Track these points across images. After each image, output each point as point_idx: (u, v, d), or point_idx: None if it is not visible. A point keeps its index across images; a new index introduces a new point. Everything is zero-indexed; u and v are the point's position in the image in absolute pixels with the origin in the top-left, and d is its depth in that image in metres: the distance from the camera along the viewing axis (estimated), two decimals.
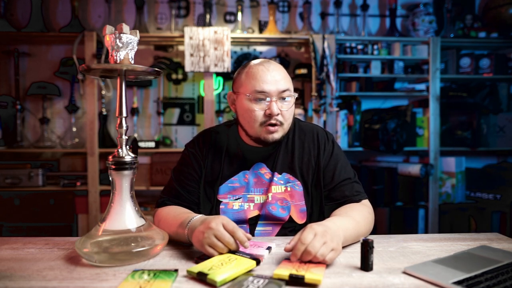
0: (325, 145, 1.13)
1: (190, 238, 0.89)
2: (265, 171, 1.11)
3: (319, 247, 0.77)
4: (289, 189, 1.09)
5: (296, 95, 1.07)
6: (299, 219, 1.09)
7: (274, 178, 1.09)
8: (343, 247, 0.93)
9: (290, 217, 1.08)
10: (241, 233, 0.82)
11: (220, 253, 0.82)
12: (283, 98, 1.03)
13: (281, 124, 1.04)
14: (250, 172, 1.11)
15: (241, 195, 1.09)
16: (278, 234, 1.08)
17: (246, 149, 1.12)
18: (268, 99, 1.01)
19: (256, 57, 2.83)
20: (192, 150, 1.14)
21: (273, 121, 1.02)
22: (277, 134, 1.04)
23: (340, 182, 1.09)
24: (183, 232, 0.90)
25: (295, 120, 1.19)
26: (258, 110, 1.02)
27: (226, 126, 1.19)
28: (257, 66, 1.04)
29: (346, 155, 1.17)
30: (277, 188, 1.09)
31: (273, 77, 1.02)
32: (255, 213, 1.09)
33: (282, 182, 1.10)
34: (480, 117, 2.62)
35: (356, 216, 0.97)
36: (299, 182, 1.10)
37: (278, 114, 1.02)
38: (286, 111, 1.04)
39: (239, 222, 1.08)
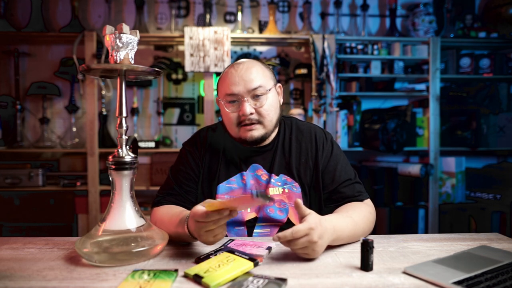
0: (323, 145, 1.11)
1: (192, 234, 0.89)
2: (262, 173, 1.10)
3: (299, 247, 0.79)
4: (286, 190, 1.08)
5: (273, 91, 1.06)
6: (297, 221, 1.08)
7: (272, 180, 1.08)
8: (341, 246, 0.94)
9: (288, 219, 1.07)
10: (215, 214, 0.79)
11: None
12: (257, 96, 1.02)
13: (259, 122, 1.04)
14: (248, 174, 1.10)
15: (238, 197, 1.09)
16: None
17: (242, 150, 1.11)
18: (239, 100, 1.02)
19: (256, 58, 2.83)
20: (190, 148, 1.14)
21: (247, 121, 1.02)
22: (256, 132, 1.04)
23: (341, 183, 1.07)
24: (183, 230, 0.90)
25: (293, 120, 1.18)
26: (232, 113, 1.03)
27: (223, 125, 1.18)
28: (228, 69, 1.06)
29: (346, 155, 1.16)
30: (275, 190, 1.08)
31: (241, 77, 1.01)
32: (252, 215, 1.08)
33: (279, 183, 1.08)
34: (480, 117, 2.62)
35: (355, 217, 0.96)
36: (297, 184, 1.09)
37: (251, 114, 1.02)
38: (262, 108, 1.03)
39: (236, 224, 1.08)
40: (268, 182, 1.09)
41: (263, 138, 1.06)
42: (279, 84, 1.12)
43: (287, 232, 0.78)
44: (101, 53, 2.52)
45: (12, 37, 2.54)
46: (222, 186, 1.09)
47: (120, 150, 0.88)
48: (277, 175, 1.09)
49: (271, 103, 1.04)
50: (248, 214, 1.08)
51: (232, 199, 0.79)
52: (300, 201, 0.83)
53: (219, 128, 1.17)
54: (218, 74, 2.71)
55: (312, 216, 0.82)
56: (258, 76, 1.03)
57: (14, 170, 2.47)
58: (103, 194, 2.54)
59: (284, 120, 1.17)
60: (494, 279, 0.71)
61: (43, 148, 2.56)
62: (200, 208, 0.81)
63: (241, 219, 1.07)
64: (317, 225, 0.80)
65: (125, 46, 0.86)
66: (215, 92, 2.69)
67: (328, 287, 0.70)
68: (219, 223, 0.81)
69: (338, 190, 1.07)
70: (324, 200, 1.09)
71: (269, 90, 1.04)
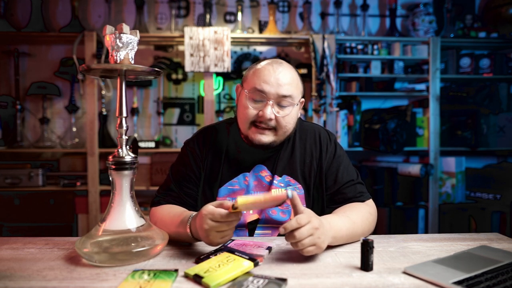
0: (327, 146, 1.11)
1: (194, 235, 0.89)
2: (265, 174, 1.09)
3: (305, 235, 0.78)
4: None
5: (298, 105, 1.03)
6: None
7: (274, 181, 1.07)
8: (341, 246, 0.94)
9: None
10: (232, 214, 0.81)
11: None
12: (283, 104, 0.99)
13: (274, 128, 1.00)
14: (251, 175, 1.09)
15: None
16: None
17: (246, 150, 1.09)
18: (265, 101, 0.98)
19: (256, 57, 2.83)
20: (192, 149, 1.12)
21: (263, 125, 0.99)
22: (266, 137, 1.00)
23: (343, 184, 1.07)
24: (185, 231, 0.90)
25: (297, 120, 1.17)
26: (252, 109, 0.99)
27: (226, 124, 1.16)
28: (266, 65, 1.01)
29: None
30: (277, 191, 1.06)
31: (277, 80, 0.98)
32: (254, 217, 1.07)
33: (282, 185, 1.07)
34: (480, 117, 2.62)
35: (354, 217, 0.96)
36: (300, 185, 1.08)
37: (270, 119, 0.98)
38: (282, 118, 0.99)
39: (238, 225, 1.06)
40: (271, 183, 1.08)
41: (271, 145, 1.02)
42: (303, 99, 1.08)
43: (292, 221, 0.78)
44: (101, 53, 2.52)
45: (12, 37, 2.54)
46: (224, 188, 1.08)
47: (120, 150, 0.88)
48: (280, 176, 1.08)
49: (292, 116, 1.02)
50: (250, 216, 1.07)
51: (266, 195, 0.79)
52: (297, 196, 0.83)
53: (222, 128, 1.15)
54: (218, 74, 2.71)
55: (308, 209, 0.84)
56: (292, 85, 1.00)
57: (14, 170, 2.47)
58: (103, 194, 2.54)
59: None
60: (494, 279, 0.71)
61: (43, 148, 2.56)
62: (214, 207, 0.81)
63: (243, 221, 1.06)
64: (315, 215, 0.83)
65: (125, 46, 0.86)
66: (215, 92, 2.69)
67: (328, 287, 0.70)
68: (232, 225, 0.82)
69: (340, 191, 1.07)
70: (326, 201, 1.08)
71: (296, 103, 1.02)
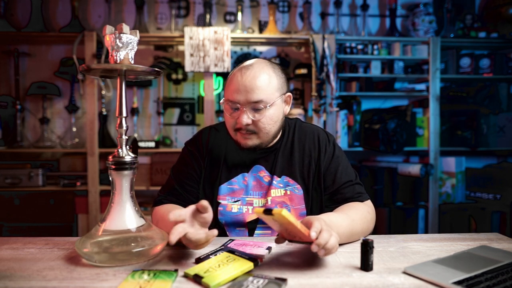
0: (326, 147, 1.11)
1: None
2: (264, 174, 1.10)
3: (335, 242, 0.75)
4: (288, 192, 1.08)
5: (277, 103, 1.01)
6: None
7: (273, 182, 1.08)
8: (341, 246, 0.93)
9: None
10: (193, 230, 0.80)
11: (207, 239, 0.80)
12: (256, 108, 0.99)
13: (254, 132, 1.02)
14: (249, 175, 1.10)
15: (239, 198, 1.08)
16: None
17: (244, 151, 1.09)
18: (239, 108, 0.99)
19: (256, 57, 2.83)
20: (192, 149, 1.13)
21: (243, 131, 1.01)
22: (250, 141, 1.03)
23: (342, 185, 1.07)
24: None
25: (296, 121, 1.17)
26: (231, 118, 1.02)
27: (226, 125, 1.18)
28: (236, 71, 1.02)
29: (346, 155, 1.16)
30: (276, 192, 1.07)
31: (245, 86, 0.98)
32: (253, 216, 1.07)
33: (281, 185, 1.08)
34: (480, 117, 2.62)
35: (352, 214, 0.96)
36: (298, 186, 1.08)
37: (248, 125, 1.00)
38: (260, 121, 1.00)
39: (237, 225, 1.07)
40: (270, 183, 1.08)
41: (258, 147, 1.05)
42: (288, 94, 1.07)
43: (317, 226, 0.75)
44: (101, 53, 2.52)
45: (12, 37, 2.54)
46: (224, 187, 1.09)
47: (120, 150, 0.88)
48: (279, 177, 1.09)
49: (270, 117, 1.01)
50: (250, 215, 1.07)
51: (303, 227, 0.75)
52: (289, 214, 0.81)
53: (222, 128, 1.16)
54: (218, 74, 2.71)
55: (307, 217, 0.84)
56: (262, 87, 0.98)
57: (14, 170, 2.47)
58: (103, 194, 2.54)
59: (287, 122, 1.16)
60: (494, 279, 0.71)
61: (43, 148, 2.56)
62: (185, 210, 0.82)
63: (242, 220, 1.07)
64: (316, 221, 0.80)
65: (125, 46, 0.86)
66: (215, 92, 2.69)
67: (328, 287, 0.70)
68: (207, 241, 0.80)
69: (339, 191, 1.07)
70: (325, 200, 1.09)
71: (271, 104, 1.00)
